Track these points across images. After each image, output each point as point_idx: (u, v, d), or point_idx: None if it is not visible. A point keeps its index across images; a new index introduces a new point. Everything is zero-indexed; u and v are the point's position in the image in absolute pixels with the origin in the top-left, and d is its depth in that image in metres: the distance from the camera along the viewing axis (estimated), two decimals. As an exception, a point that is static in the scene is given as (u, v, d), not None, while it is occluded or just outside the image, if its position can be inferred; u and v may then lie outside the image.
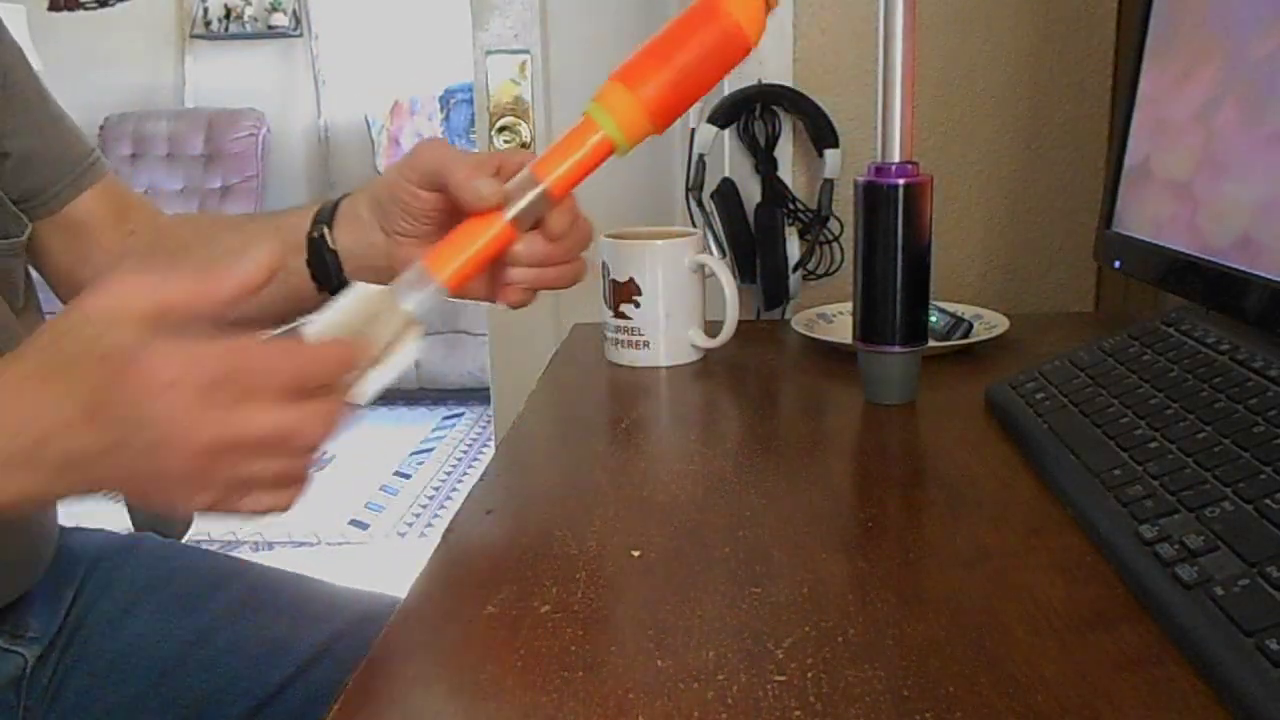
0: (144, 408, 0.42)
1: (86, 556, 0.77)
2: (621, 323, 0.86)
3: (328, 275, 0.66)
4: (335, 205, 0.67)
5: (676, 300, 0.85)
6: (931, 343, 0.77)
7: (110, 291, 0.45)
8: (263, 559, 0.86)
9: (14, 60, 0.73)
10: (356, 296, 0.51)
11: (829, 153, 1.02)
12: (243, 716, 0.73)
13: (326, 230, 0.65)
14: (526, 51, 1.66)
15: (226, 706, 0.73)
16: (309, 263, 0.66)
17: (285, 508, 0.48)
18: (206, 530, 2.65)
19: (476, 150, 0.62)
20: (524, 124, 1.47)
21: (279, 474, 0.46)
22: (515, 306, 0.60)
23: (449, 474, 3.15)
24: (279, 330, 0.62)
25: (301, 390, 0.45)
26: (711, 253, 1.00)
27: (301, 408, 0.45)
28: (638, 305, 0.85)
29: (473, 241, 0.55)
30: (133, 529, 0.92)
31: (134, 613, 0.75)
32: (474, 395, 3.70)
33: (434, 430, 3.53)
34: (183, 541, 0.87)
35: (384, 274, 0.59)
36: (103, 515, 0.84)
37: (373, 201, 0.64)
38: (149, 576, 0.78)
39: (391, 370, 0.51)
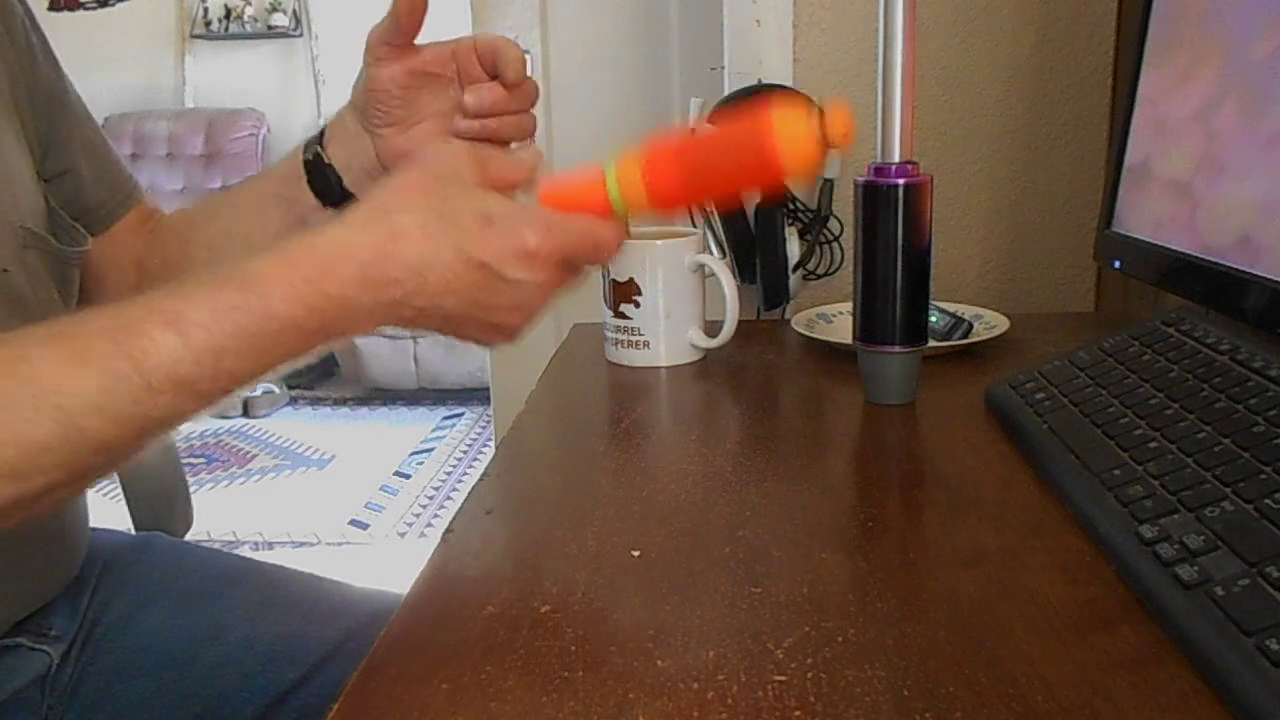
0: (524, 274, 0.51)
1: (101, 556, 0.78)
2: (621, 323, 0.86)
3: (330, 191, 0.70)
4: (322, 130, 0.72)
5: (676, 300, 0.85)
6: (931, 343, 0.77)
7: (453, 162, 0.53)
8: (262, 559, 0.86)
9: (66, 83, 0.76)
10: None
11: (829, 153, 1.02)
12: (258, 712, 0.73)
13: (319, 149, 0.70)
14: (527, 51, 1.66)
15: (242, 702, 0.73)
16: (310, 185, 0.70)
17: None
18: (206, 529, 2.65)
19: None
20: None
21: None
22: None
23: (449, 474, 3.15)
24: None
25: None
26: (711, 253, 1.00)
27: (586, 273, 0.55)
28: (638, 305, 0.85)
29: None
30: (133, 530, 0.92)
31: (148, 610, 0.75)
32: (474, 395, 3.70)
33: (434, 430, 3.53)
34: (184, 540, 0.87)
35: (377, 174, 0.68)
36: (107, 515, 0.84)
37: (351, 108, 0.69)
38: (161, 574, 0.78)
39: None
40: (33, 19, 0.74)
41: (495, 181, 0.53)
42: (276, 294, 0.47)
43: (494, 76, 0.66)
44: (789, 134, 0.53)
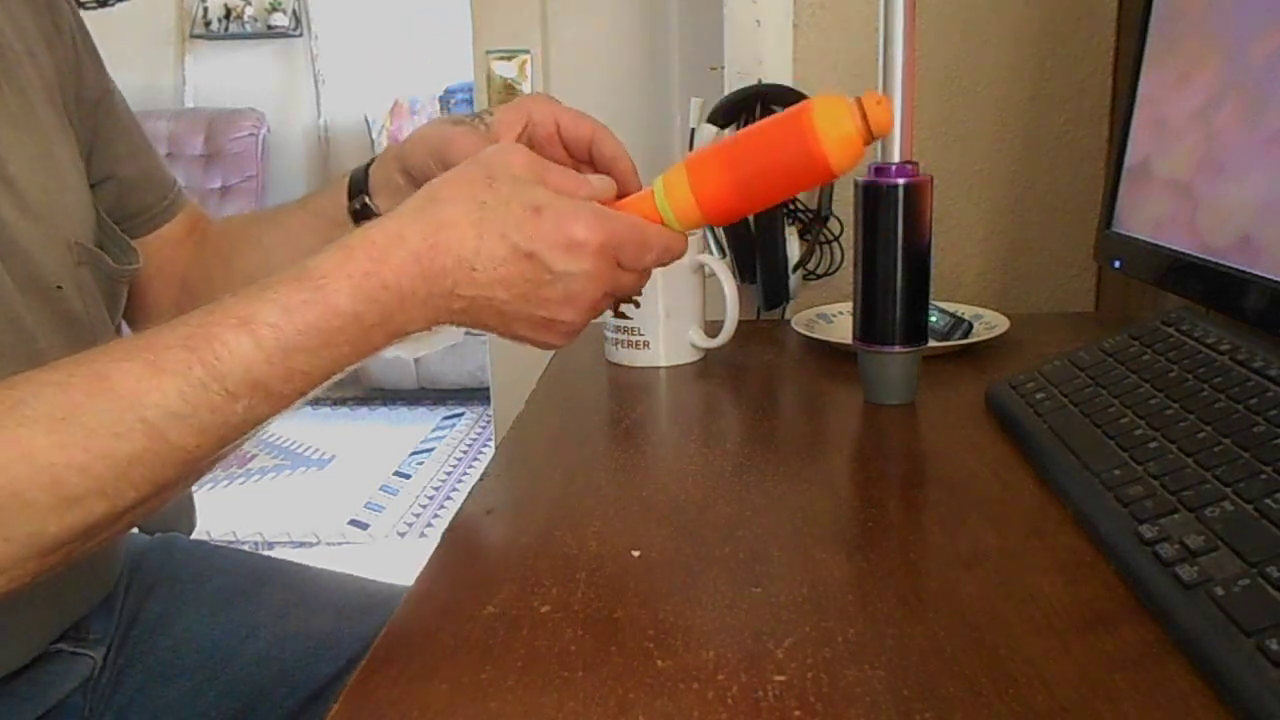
0: (571, 264, 0.51)
1: (129, 557, 0.78)
2: (621, 323, 0.86)
3: None
4: (365, 175, 0.71)
5: (676, 300, 0.85)
6: (931, 343, 0.77)
7: (505, 157, 0.53)
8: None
9: (111, 85, 0.76)
10: None
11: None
12: (295, 708, 0.74)
13: (368, 199, 0.70)
14: (526, 51, 1.66)
15: (278, 699, 0.74)
16: None
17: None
18: (206, 530, 2.65)
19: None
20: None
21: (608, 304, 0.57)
22: None
23: (449, 474, 3.15)
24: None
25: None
26: (711, 253, 1.00)
27: (643, 275, 0.56)
28: (638, 305, 0.84)
29: None
30: (136, 530, 0.92)
31: (181, 610, 0.76)
32: (474, 395, 3.70)
33: (434, 430, 3.53)
34: (203, 540, 0.87)
35: None
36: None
37: (404, 170, 0.68)
38: (190, 575, 0.79)
39: None
40: (79, 19, 0.73)
41: (552, 186, 0.53)
42: (339, 287, 0.48)
43: (581, 156, 0.65)
44: (832, 126, 0.53)
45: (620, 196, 0.61)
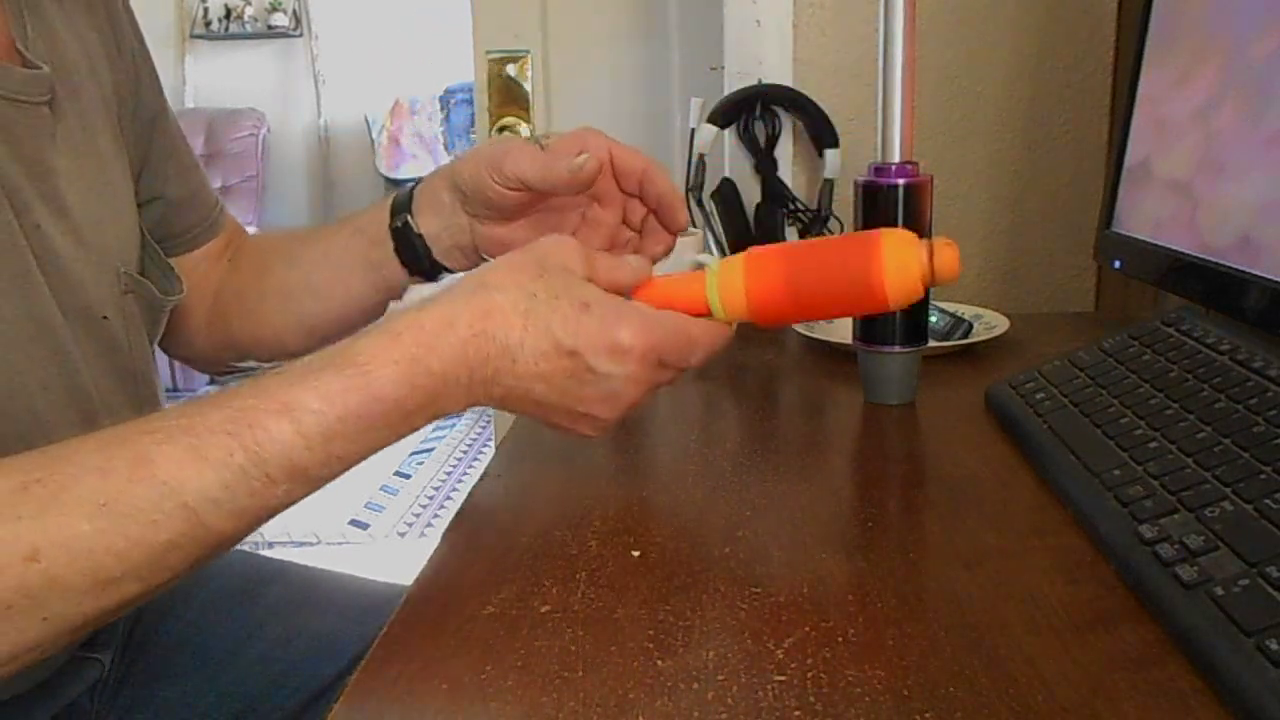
0: (613, 368, 0.51)
1: None
2: (621, 323, 0.86)
3: (417, 259, 0.69)
4: (410, 194, 0.70)
5: (676, 300, 0.85)
6: (931, 343, 0.77)
7: (559, 248, 0.54)
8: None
9: (164, 104, 0.76)
10: None
11: (829, 153, 1.02)
12: (297, 708, 0.74)
13: (410, 217, 0.69)
14: (527, 51, 1.66)
15: (281, 699, 0.74)
16: (397, 251, 0.69)
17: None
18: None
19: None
20: (524, 124, 1.47)
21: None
22: None
23: (449, 474, 3.15)
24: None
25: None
26: (711, 253, 1.00)
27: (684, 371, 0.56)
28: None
29: None
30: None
31: (183, 609, 0.76)
32: (474, 395, 3.69)
33: (434, 430, 3.53)
34: None
35: (470, 252, 0.68)
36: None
37: (453, 187, 0.67)
38: (194, 575, 0.78)
39: None
40: (140, 38, 0.74)
41: (601, 281, 0.53)
42: (385, 375, 0.48)
43: (630, 189, 0.65)
44: (898, 263, 0.53)
45: (669, 229, 0.62)
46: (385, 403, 0.48)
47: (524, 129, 1.46)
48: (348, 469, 0.49)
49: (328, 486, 0.49)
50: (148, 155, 0.73)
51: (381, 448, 0.50)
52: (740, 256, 0.56)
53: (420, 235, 0.68)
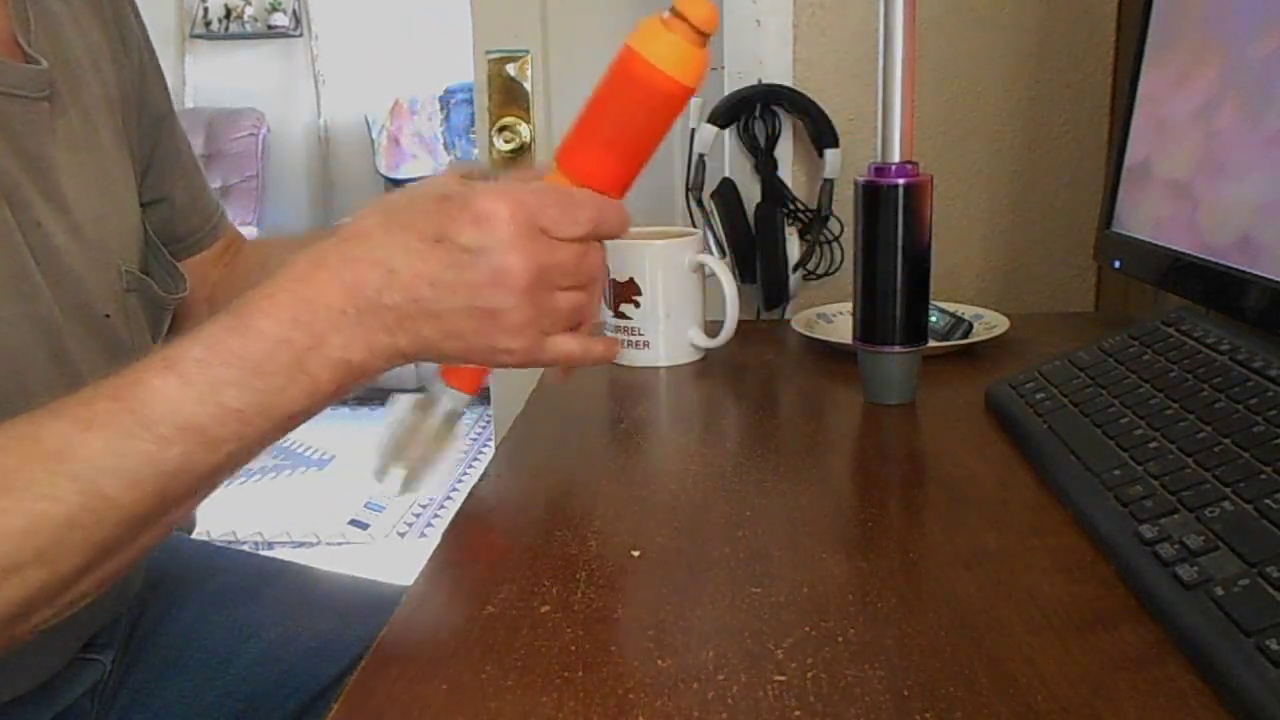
0: (484, 237, 0.48)
1: None
2: (621, 323, 0.86)
3: None
4: None
5: (676, 300, 0.85)
6: (931, 343, 0.77)
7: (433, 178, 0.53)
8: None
9: (169, 106, 0.75)
10: (399, 412, 0.61)
11: (829, 153, 1.02)
12: (297, 709, 0.74)
13: None
14: (526, 51, 1.66)
15: (281, 700, 0.74)
16: None
17: (579, 354, 0.55)
18: (206, 529, 2.65)
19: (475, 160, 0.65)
20: (524, 124, 1.47)
21: (573, 307, 0.52)
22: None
23: (449, 474, 3.15)
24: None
25: (590, 235, 0.52)
26: (711, 253, 1.00)
27: (588, 245, 0.52)
28: (638, 305, 0.85)
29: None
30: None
31: (183, 609, 0.76)
32: (474, 395, 3.69)
33: (434, 430, 3.52)
34: (207, 540, 0.87)
35: None
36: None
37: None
38: (192, 574, 0.79)
39: (439, 458, 0.60)
40: (147, 37, 0.73)
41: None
42: (261, 309, 0.46)
43: None
44: (655, 47, 0.52)
45: None
46: (268, 338, 0.46)
47: (524, 129, 1.46)
48: (252, 430, 0.46)
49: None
50: (153, 156, 0.73)
51: (288, 406, 0.47)
52: (552, 163, 0.55)
53: None
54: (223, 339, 0.46)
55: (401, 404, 0.60)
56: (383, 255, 0.48)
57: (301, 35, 4.05)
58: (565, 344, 0.53)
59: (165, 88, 0.75)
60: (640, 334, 0.85)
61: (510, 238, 0.48)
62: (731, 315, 0.83)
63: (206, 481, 0.47)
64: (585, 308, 0.54)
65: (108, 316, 0.62)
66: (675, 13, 0.52)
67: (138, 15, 0.73)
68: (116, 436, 0.43)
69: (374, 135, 4.05)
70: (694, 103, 1.01)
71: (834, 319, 0.95)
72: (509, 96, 1.70)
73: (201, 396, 0.45)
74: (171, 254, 0.73)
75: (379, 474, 0.59)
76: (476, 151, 0.68)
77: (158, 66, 0.74)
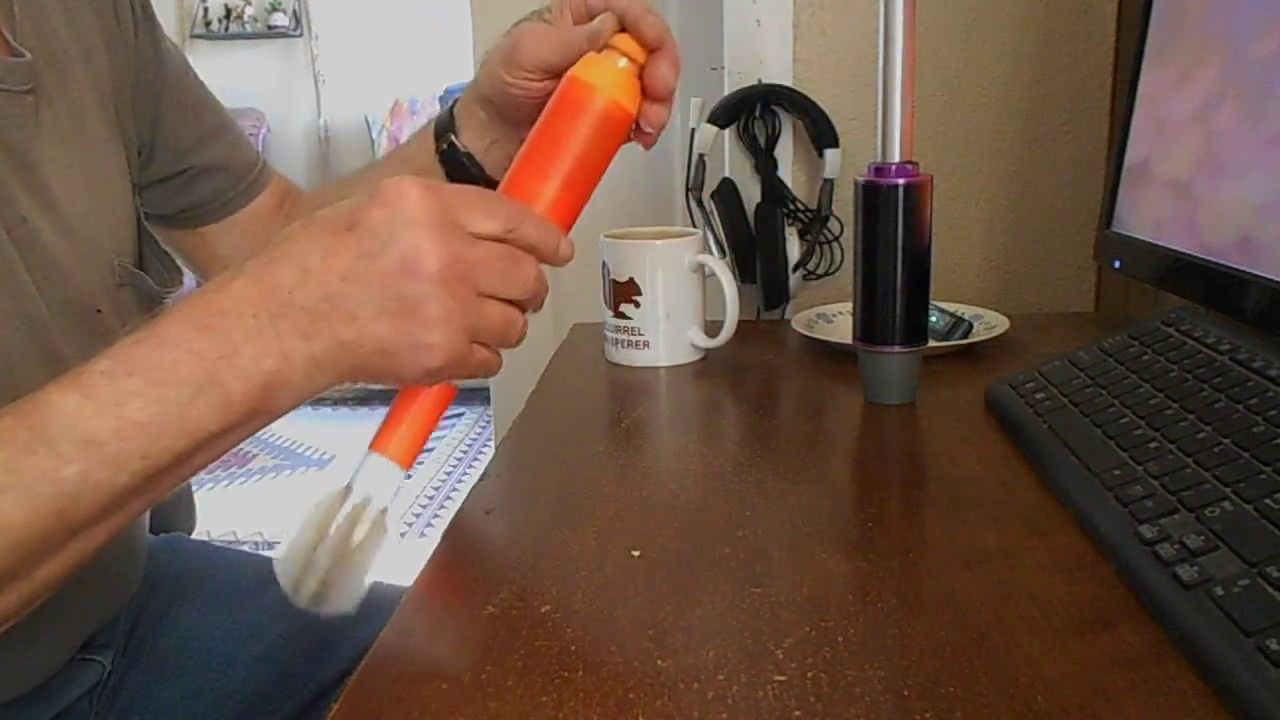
0: (392, 217, 0.46)
1: None
2: (621, 323, 0.86)
3: (470, 179, 0.68)
4: (450, 114, 0.69)
5: (676, 300, 0.85)
6: (931, 343, 0.77)
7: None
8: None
9: (179, 70, 0.74)
10: (315, 508, 0.50)
11: (829, 153, 1.02)
12: (297, 710, 0.73)
13: (454, 138, 0.68)
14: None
15: (281, 700, 0.73)
16: (448, 175, 0.68)
17: (505, 348, 0.51)
18: (206, 529, 2.65)
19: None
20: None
21: (505, 320, 0.50)
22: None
23: (449, 474, 3.15)
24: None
25: (508, 234, 0.49)
26: (711, 253, 1.00)
27: (515, 252, 0.50)
28: (638, 305, 0.85)
29: (417, 410, 0.53)
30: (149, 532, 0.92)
31: (183, 610, 0.75)
32: (474, 395, 3.69)
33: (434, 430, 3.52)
34: (206, 541, 0.87)
35: None
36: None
37: (483, 99, 0.66)
38: (193, 575, 0.78)
39: (368, 569, 0.49)
40: (144, 6, 0.71)
41: None
42: (170, 319, 0.44)
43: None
44: (596, 72, 0.55)
45: (643, 42, 0.57)
46: (175, 348, 0.43)
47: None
48: (164, 451, 0.43)
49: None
50: (156, 131, 0.71)
51: (204, 422, 0.44)
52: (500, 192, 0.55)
53: (468, 153, 0.67)
54: (130, 350, 0.44)
55: (320, 498, 0.50)
56: (299, 254, 0.46)
57: (301, 35, 4.05)
58: (494, 359, 0.51)
59: (163, 60, 0.72)
60: (640, 334, 0.85)
61: (419, 218, 0.46)
62: (731, 315, 0.83)
63: (116, 505, 0.44)
64: (515, 324, 0.50)
65: (99, 312, 0.62)
66: (610, 46, 0.57)
67: None
68: (13, 453, 0.41)
69: (374, 135, 4.04)
70: (694, 102, 1.01)
71: (834, 319, 0.95)
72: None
73: (102, 409, 0.42)
74: (207, 214, 0.72)
75: (289, 586, 0.48)
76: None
77: (155, 39, 0.72)
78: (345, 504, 0.50)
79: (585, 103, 0.55)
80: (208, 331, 0.44)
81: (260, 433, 0.50)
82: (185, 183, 0.73)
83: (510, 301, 0.50)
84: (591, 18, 0.59)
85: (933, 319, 0.86)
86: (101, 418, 0.42)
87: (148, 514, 0.76)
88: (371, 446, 0.52)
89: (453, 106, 0.69)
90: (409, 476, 0.53)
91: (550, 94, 0.58)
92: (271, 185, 0.79)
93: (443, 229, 0.46)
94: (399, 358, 0.47)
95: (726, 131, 1.04)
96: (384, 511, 0.51)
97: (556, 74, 0.60)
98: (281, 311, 0.45)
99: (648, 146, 0.60)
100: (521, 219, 0.50)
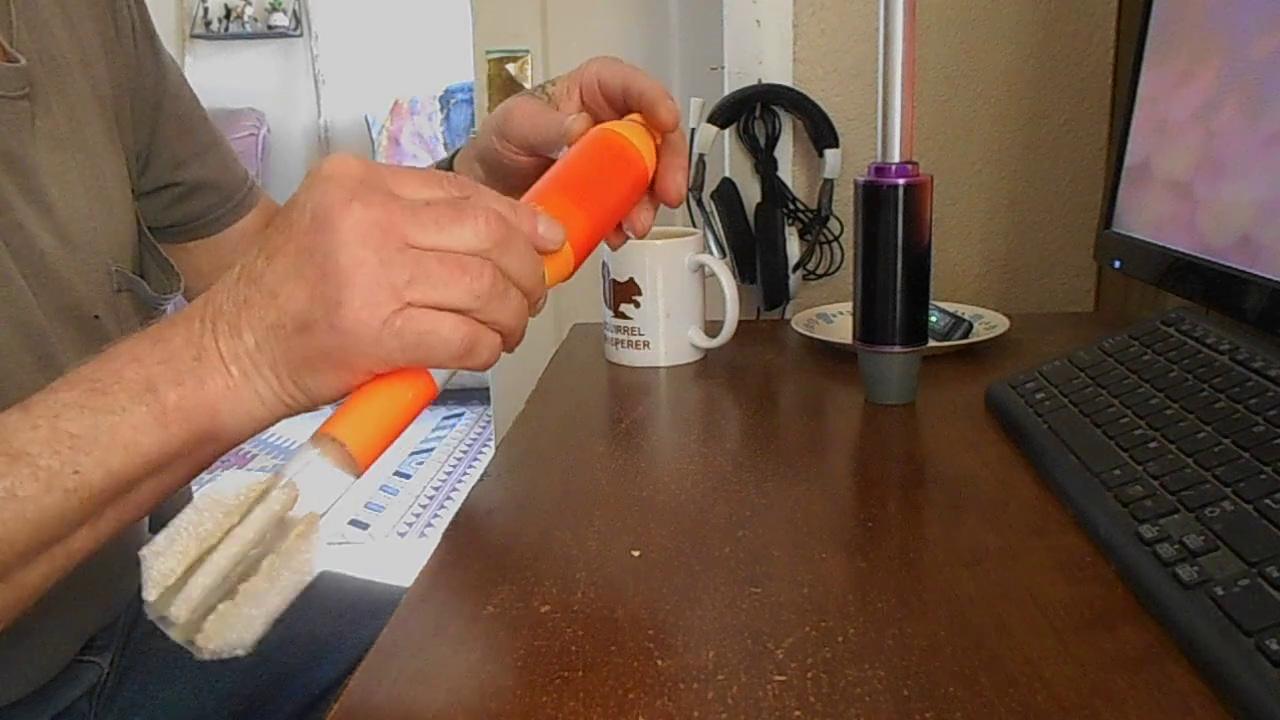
0: (311, 189, 0.41)
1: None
2: (621, 323, 0.86)
3: None
4: (450, 165, 0.69)
5: (676, 300, 0.85)
6: (931, 343, 0.77)
7: None
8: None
9: (176, 83, 0.74)
10: (213, 499, 0.39)
11: (829, 153, 1.02)
12: (297, 711, 0.73)
13: None
14: (527, 51, 1.66)
15: (280, 703, 0.73)
16: None
17: (476, 356, 0.42)
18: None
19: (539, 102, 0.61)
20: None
21: (443, 267, 0.41)
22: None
23: (449, 474, 3.15)
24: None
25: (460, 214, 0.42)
26: (711, 253, 1.00)
27: (457, 203, 0.42)
28: (638, 305, 0.85)
29: (376, 395, 0.43)
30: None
31: None
32: (474, 395, 3.70)
33: (434, 430, 3.53)
34: None
35: None
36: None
37: (480, 158, 0.66)
38: None
39: (286, 590, 0.39)
40: (143, 19, 0.71)
41: None
42: (130, 339, 0.42)
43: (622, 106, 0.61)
44: (626, 130, 0.56)
45: (659, 126, 0.58)
46: (117, 359, 0.41)
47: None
48: (96, 465, 0.40)
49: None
50: (153, 140, 0.72)
51: (139, 435, 0.40)
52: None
53: None
54: (84, 365, 0.42)
55: (224, 484, 0.39)
56: (249, 264, 0.43)
57: (301, 35, 4.05)
58: (452, 330, 0.41)
59: (162, 69, 0.72)
60: (640, 334, 0.85)
61: (334, 173, 0.41)
62: (731, 315, 0.83)
63: (51, 532, 0.40)
64: (469, 274, 0.41)
65: (97, 318, 0.62)
66: (635, 121, 0.58)
67: (138, 1, 0.71)
68: None
69: (374, 135, 4.04)
70: (694, 102, 1.01)
71: (834, 319, 0.95)
72: (509, 96, 1.70)
73: (35, 421, 0.40)
74: (197, 230, 0.72)
75: (151, 596, 0.38)
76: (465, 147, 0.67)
77: (154, 49, 0.72)
78: (262, 502, 0.39)
79: (616, 144, 0.55)
80: (156, 341, 0.42)
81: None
82: (176, 197, 0.73)
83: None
84: (604, 99, 0.60)
85: (933, 319, 0.86)
86: (34, 430, 0.40)
87: (145, 532, 0.76)
88: (318, 431, 0.42)
89: (453, 156, 0.70)
90: (357, 479, 0.44)
91: (537, 169, 0.58)
92: (260, 205, 0.79)
93: (363, 183, 0.41)
94: (320, 333, 0.40)
95: (726, 131, 1.04)
96: (315, 518, 0.41)
97: (538, 154, 0.61)
98: (219, 310, 0.42)
99: (640, 234, 0.60)
100: (474, 189, 0.44)
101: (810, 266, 1.04)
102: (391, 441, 0.44)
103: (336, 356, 0.41)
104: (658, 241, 0.85)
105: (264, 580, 0.38)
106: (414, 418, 0.45)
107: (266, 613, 0.38)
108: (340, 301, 0.40)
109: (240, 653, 0.38)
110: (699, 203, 1.02)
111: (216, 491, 0.39)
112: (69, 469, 0.40)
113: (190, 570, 0.38)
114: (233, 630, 0.37)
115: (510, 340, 0.45)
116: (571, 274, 0.51)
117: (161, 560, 0.38)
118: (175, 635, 0.38)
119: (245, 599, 0.37)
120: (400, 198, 0.41)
